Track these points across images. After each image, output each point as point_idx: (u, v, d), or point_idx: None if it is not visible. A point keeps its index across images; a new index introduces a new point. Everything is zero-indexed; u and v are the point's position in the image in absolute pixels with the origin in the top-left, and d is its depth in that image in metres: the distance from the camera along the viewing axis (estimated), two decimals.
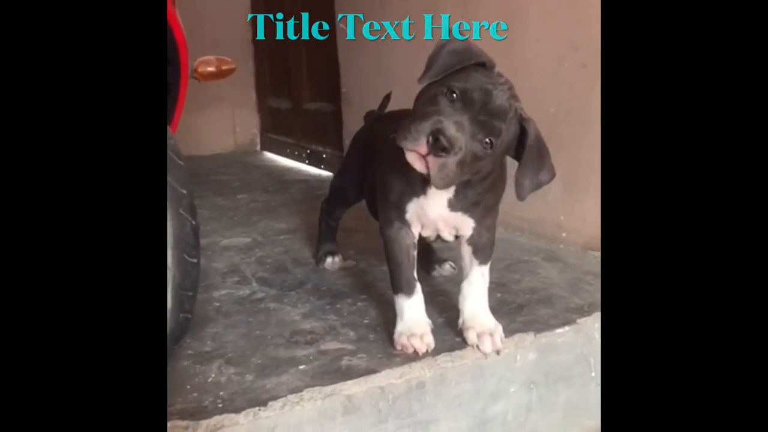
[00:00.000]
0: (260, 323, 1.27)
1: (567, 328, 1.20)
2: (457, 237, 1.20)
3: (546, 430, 1.19)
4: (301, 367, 1.08)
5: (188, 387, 1.02)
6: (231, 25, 3.60)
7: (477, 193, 1.13)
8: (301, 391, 1.00)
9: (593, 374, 1.23)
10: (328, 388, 1.01)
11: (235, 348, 1.16)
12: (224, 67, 1.24)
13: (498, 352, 1.13)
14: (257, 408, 0.96)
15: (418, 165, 0.98)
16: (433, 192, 1.11)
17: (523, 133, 1.04)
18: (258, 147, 3.74)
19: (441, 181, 0.99)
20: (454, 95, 0.99)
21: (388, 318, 1.25)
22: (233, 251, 1.74)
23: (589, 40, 1.47)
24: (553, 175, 1.09)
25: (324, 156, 2.91)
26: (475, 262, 1.18)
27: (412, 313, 1.17)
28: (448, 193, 1.12)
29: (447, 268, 1.50)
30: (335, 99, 2.74)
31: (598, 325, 1.23)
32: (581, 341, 1.21)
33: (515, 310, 1.28)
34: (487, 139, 1.00)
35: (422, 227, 1.19)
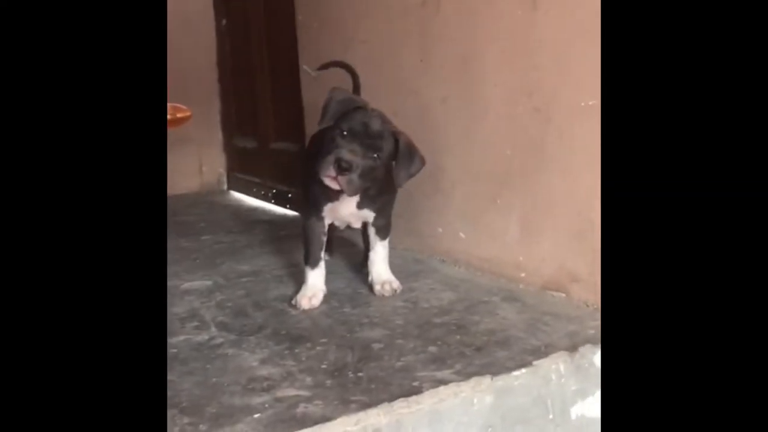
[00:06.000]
0: (217, 370, 1.25)
1: (523, 370, 1.21)
2: (364, 225, 1.67)
3: None
4: (256, 415, 1.07)
5: None
6: (197, 65, 3.62)
7: (374, 195, 1.57)
8: None
9: (551, 416, 1.23)
10: None
11: (191, 396, 1.15)
12: (179, 115, 1.25)
13: (396, 292, 1.63)
14: None
15: (333, 184, 1.41)
16: (344, 198, 1.53)
17: (396, 143, 1.47)
18: (225, 186, 3.73)
19: (351, 190, 1.43)
20: (345, 132, 1.42)
21: (347, 362, 1.25)
22: (194, 295, 1.73)
23: (542, 86, 1.51)
24: (422, 164, 1.52)
25: (289, 195, 2.91)
26: (378, 238, 1.65)
27: (313, 281, 1.61)
28: (356, 198, 1.55)
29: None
30: (300, 139, 2.75)
31: (554, 366, 1.23)
32: (537, 383, 1.21)
33: (473, 352, 1.28)
34: (374, 155, 1.44)
35: (334, 220, 1.63)
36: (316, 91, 2.55)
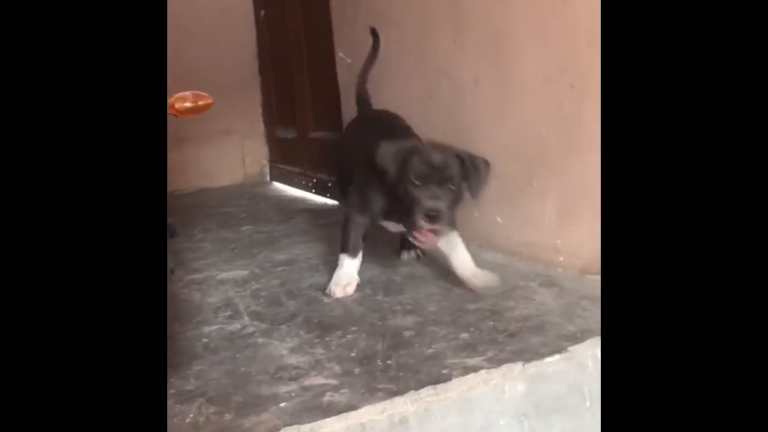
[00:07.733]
0: (247, 359, 1.25)
1: (558, 356, 1.17)
2: None
3: None
4: (282, 404, 1.06)
5: None
6: (237, 58, 3.64)
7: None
8: (279, 430, 0.97)
9: (588, 404, 1.18)
10: (306, 427, 0.98)
11: (218, 386, 1.14)
12: (201, 102, 1.23)
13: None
14: None
15: (431, 239, 1.42)
16: None
17: (462, 162, 1.42)
18: (268, 178, 3.75)
19: (445, 226, 1.42)
20: (416, 182, 1.39)
21: (376, 350, 1.23)
22: (229, 285, 1.73)
23: (577, 62, 1.45)
24: (488, 166, 1.47)
25: (329, 185, 2.91)
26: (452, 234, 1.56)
27: (347, 269, 1.58)
28: None
29: (412, 254, 1.84)
30: (338, 127, 2.74)
31: (591, 352, 1.19)
32: (573, 370, 1.17)
33: (506, 339, 1.24)
34: (450, 186, 1.40)
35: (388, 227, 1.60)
36: (353, 78, 2.53)
